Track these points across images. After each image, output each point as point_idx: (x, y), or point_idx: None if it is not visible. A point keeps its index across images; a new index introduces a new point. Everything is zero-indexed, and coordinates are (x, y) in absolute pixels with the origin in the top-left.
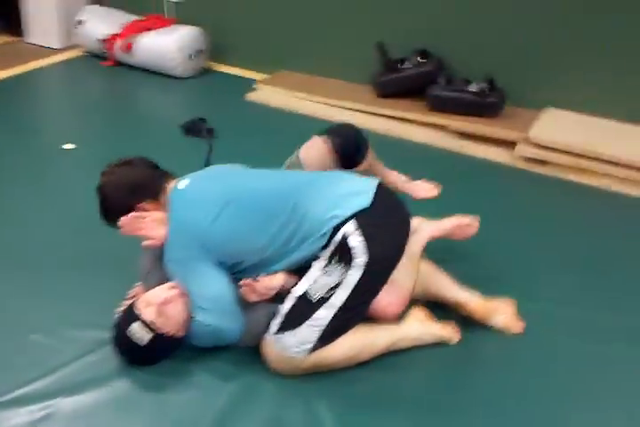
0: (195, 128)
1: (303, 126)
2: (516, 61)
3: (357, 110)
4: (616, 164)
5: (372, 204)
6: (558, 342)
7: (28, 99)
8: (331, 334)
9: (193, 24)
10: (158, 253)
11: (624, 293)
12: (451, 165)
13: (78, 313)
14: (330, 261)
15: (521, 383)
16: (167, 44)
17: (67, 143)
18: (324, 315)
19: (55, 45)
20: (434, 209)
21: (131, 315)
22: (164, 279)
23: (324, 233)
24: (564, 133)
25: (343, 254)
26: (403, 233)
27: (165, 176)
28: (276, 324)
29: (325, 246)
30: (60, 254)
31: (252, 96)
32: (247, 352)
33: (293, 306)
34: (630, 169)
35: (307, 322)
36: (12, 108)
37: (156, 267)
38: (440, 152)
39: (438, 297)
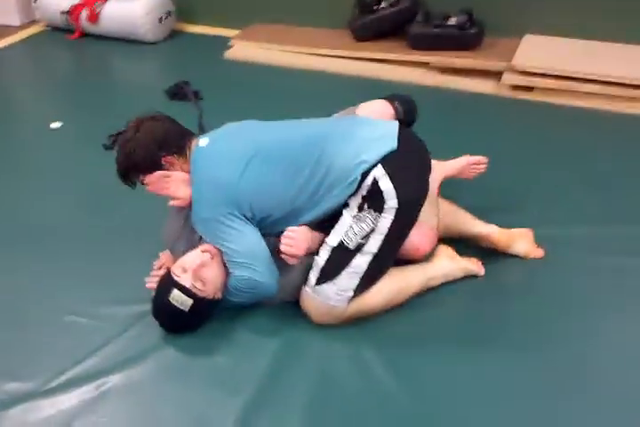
0: (180, 92)
1: (285, 79)
2: None
3: (337, 56)
4: (604, 82)
5: (397, 147)
6: (575, 261)
7: None
8: (369, 280)
9: None
10: (182, 220)
11: (630, 205)
12: (439, 99)
13: (107, 291)
14: (361, 208)
15: (549, 305)
16: (135, 10)
17: (53, 122)
18: (361, 262)
19: (14, 22)
20: (433, 144)
21: (169, 283)
22: (192, 245)
23: (354, 180)
24: (547, 58)
25: (374, 199)
26: (426, 174)
27: (188, 132)
28: (314, 275)
29: (354, 193)
30: (75, 234)
31: (229, 54)
32: (285, 307)
33: (330, 256)
34: (619, 86)
35: (345, 270)
36: None
37: (182, 234)
38: (425, 89)
39: (461, 233)
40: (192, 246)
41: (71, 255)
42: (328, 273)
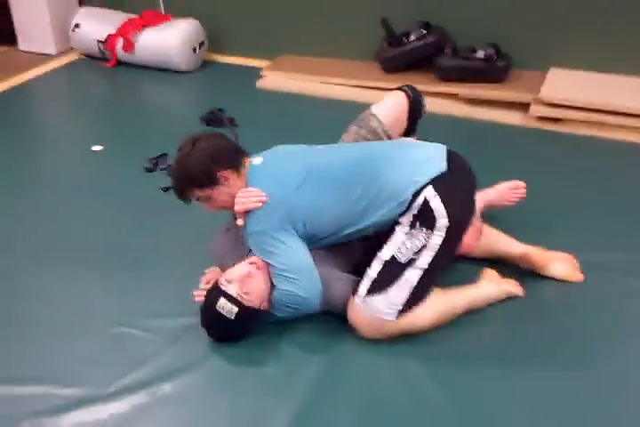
0: (215, 119)
1: (317, 108)
2: (517, 26)
3: (367, 87)
4: (630, 115)
5: (447, 168)
6: (610, 284)
7: (36, 107)
8: (418, 295)
9: (185, 16)
10: (233, 235)
11: None
12: (467, 130)
13: (156, 304)
14: (413, 226)
15: (588, 325)
16: (170, 40)
17: (94, 145)
18: (412, 276)
19: (51, 51)
20: None
21: (216, 292)
22: (240, 259)
23: (404, 200)
24: (574, 90)
25: (425, 218)
26: (473, 193)
27: (241, 150)
28: (364, 286)
29: (404, 212)
30: (122, 251)
31: (260, 83)
32: (331, 322)
33: (382, 269)
34: None
35: (396, 283)
36: (23, 117)
37: (232, 249)
38: (454, 120)
39: (502, 253)
40: (239, 260)
41: (119, 271)
42: (379, 285)
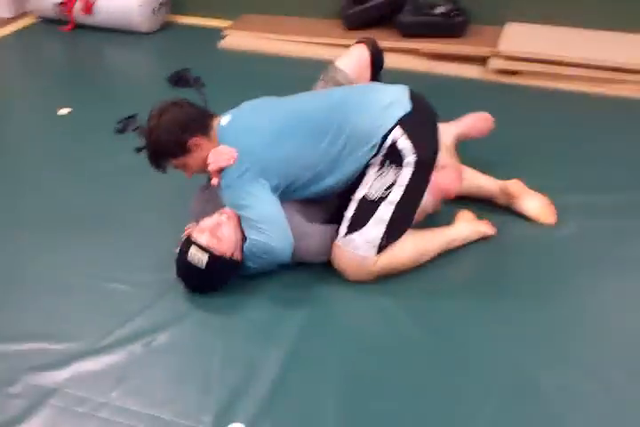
0: (182, 79)
1: (280, 66)
2: None
3: (329, 44)
4: (584, 66)
5: (411, 109)
6: (577, 225)
7: None
8: (393, 230)
9: None
10: (207, 194)
11: (614, 175)
12: (429, 84)
13: (141, 260)
14: (382, 165)
15: (557, 264)
16: (130, 1)
17: (60, 109)
18: (385, 211)
19: (6, 14)
20: None
21: (187, 243)
22: None
23: (375, 143)
24: (531, 44)
25: (394, 157)
26: (437, 130)
27: (209, 113)
28: (343, 228)
29: (375, 155)
30: (102, 213)
31: (223, 43)
32: (314, 267)
33: (357, 208)
34: (599, 69)
35: (371, 220)
36: None
37: (207, 207)
38: (415, 74)
39: (481, 188)
40: None
41: (103, 232)
42: (356, 223)
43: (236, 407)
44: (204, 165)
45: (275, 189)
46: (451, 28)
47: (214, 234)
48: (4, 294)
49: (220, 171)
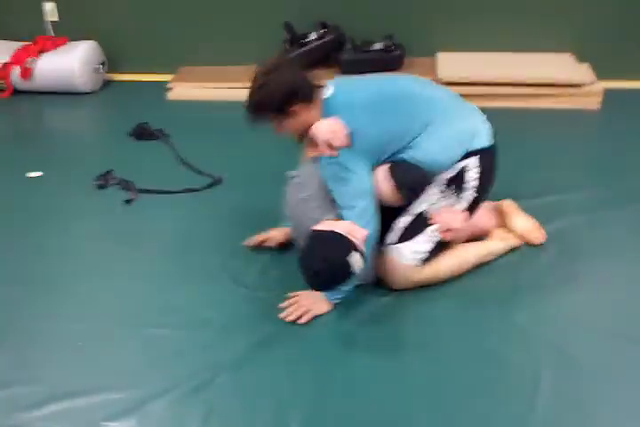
0: (145, 132)
1: (234, 111)
2: (404, 18)
3: None
4: (521, 84)
5: (493, 144)
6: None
7: None
8: (439, 247)
9: (80, 39)
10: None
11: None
12: None
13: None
14: (447, 187)
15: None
16: (71, 62)
17: (31, 172)
18: (437, 230)
19: None
20: None
21: (349, 245)
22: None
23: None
24: (465, 69)
25: (459, 183)
26: (495, 175)
27: (315, 82)
28: (394, 237)
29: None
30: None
31: (171, 95)
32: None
33: (412, 221)
34: (533, 87)
35: (422, 235)
36: None
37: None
38: None
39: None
40: (322, 212)
41: (119, 281)
42: (407, 235)
43: None
44: (298, 129)
45: (371, 166)
46: (390, 62)
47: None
48: (51, 351)
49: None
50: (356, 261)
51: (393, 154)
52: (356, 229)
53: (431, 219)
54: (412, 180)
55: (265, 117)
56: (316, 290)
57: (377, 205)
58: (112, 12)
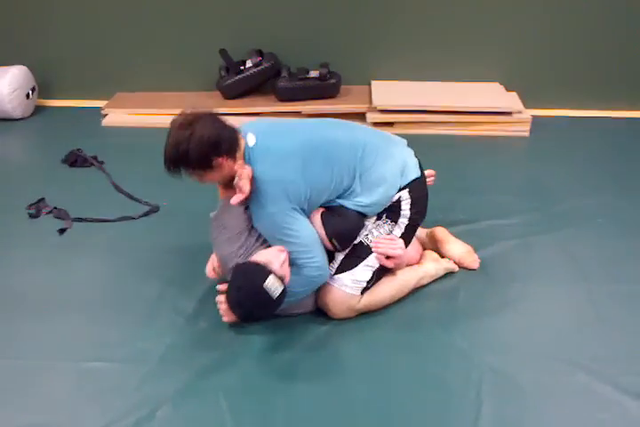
0: (78, 159)
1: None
2: (339, 48)
3: None
4: (453, 112)
5: (420, 175)
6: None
7: None
8: (378, 275)
9: (9, 64)
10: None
11: (503, 199)
12: None
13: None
14: (380, 217)
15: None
16: (1, 87)
17: None
18: (375, 258)
19: None
20: None
21: (263, 271)
22: (246, 248)
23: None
24: (399, 97)
25: (393, 213)
26: (427, 201)
27: (236, 132)
28: (334, 267)
29: None
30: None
31: (106, 122)
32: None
33: (350, 251)
34: (465, 114)
35: (362, 264)
36: None
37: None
38: None
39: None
40: (247, 250)
41: (55, 313)
42: (347, 265)
43: None
44: (220, 180)
45: (304, 212)
46: (326, 90)
47: (283, 268)
48: None
49: (251, 194)
50: (272, 284)
51: (328, 201)
52: (275, 255)
53: (370, 248)
54: (342, 231)
55: (186, 170)
56: (246, 322)
57: (323, 248)
58: (43, 36)
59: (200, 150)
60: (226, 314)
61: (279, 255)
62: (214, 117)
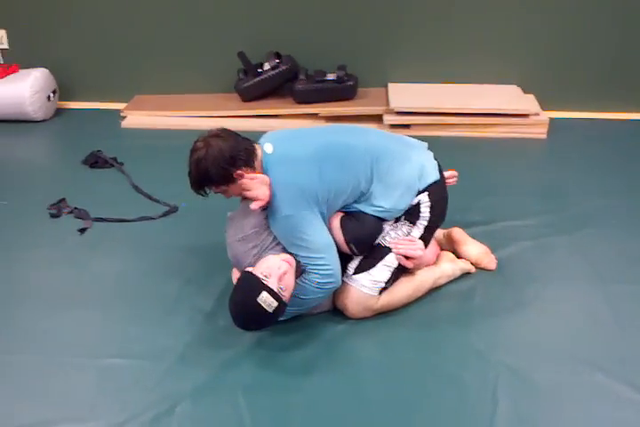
0: (99, 160)
1: (187, 140)
2: (357, 50)
3: (229, 116)
4: (471, 114)
5: (440, 178)
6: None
7: None
8: (396, 275)
9: (32, 67)
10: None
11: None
12: None
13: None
14: (398, 219)
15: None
16: (23, 90)
17: None
18: (393, 258)
19: None
20: None
21: (257, 285)
22: (259, 254)
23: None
24: (416, 99)
25: (412, 216)
26: (447, 204)
27: (251, 143)
28: (352, 267)
29: None
30: (68, 289)
31: (125, 123)
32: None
33: (368, 252)
34: (482, 116)
35: (380, 264)
36: None
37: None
38: None
39: None
40: (260, 250)
41: (74, 309)
42: (365, 265)
43: None
44: (244, 192)
45: (323, 215)
46: (343, 92)
47: (282, 281)
48: (4, 383)
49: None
50: (264, 300)
51: (347, 205)
52: (277, 266)
53: (387, 248)
54: (360, 236)
55: (210, 187)
56: (246, 329)
57: (337, 255)
58: (64, 39)
59: (218, 165)
60: None
61: (281, 266)
62: (227, 133)
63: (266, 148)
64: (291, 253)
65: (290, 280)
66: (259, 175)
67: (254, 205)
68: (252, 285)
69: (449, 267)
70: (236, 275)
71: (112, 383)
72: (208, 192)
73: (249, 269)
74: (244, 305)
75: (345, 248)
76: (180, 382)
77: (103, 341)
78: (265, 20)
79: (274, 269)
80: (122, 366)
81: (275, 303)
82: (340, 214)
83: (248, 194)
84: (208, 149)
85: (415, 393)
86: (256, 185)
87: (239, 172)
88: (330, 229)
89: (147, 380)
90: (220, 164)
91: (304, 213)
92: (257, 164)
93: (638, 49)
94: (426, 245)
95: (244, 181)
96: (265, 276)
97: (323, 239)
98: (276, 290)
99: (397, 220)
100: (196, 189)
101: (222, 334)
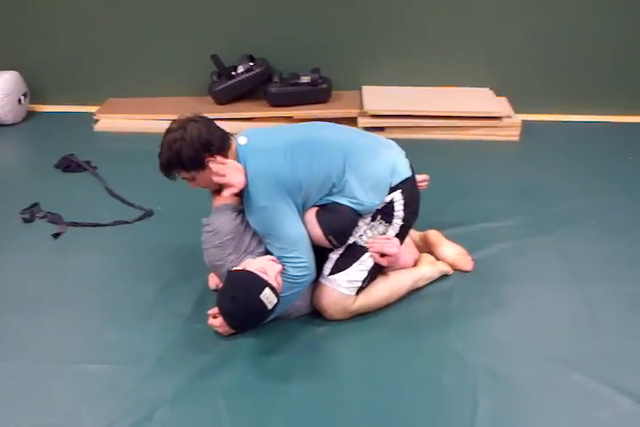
0: (71, 164)
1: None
2: (331, 54)
3: None
4: (444, 117)
5: (412, 174)
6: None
7: None
8: (373, 274)
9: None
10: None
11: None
12: None
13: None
14: (374, 218)
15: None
16: None
17: None
18: (369, 258)
19: None
20: None
21: (259, 282)
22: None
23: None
24: (390, 102)
25: (386, 215)
26: (419, 201)
27: (227, 134)
28: (328, 267)
29: None
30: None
31: (98, 127)
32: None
33: (344, 252)
34: (455, 119)
35: (356, 264)
36: None
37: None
38: None
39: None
40: (237, 256)
41: (49, 314)
42: (341, 265)
43: None
44: (212, 182)
45: (298, 207)
46: (317, 95)
47: (277, 280)
48: None
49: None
50: (267, 297)
51: (321, 198)
52: (270, 265)
53: (364, 248)
54: (337, 227)
55: (179, 171)
56: (235, 329)
57: (310, 247)
58: (35, 42)
59: (192, 149)
60: (221, 325)
61: (274, 266)
62: (205, 120)
63: (240, 140)
64: (268, 252)
65: (280, 279)
66: (231, 160)
67: (227, 192)
68: (254, 282)
69: (428, 269)
70: (213, 279)
71: (90, 389)
72: (177, 177)
73: (239, 268)
74: (247, 302)
75: (324, 242)
76: (159, 386)
77: (80, 346)
78: (238, 22)
79: (269, 267)
80: (99, 371)
81: (275, 300)
82: (315, 209)
83: (221, 180)
84: (184, 131)
85: (394, 395)
86: (230, 171)
87: (212, 159)
88: (305, 224)
89: (125, 385)
90: (194, 146)
91: (279, 204)
92: (230, 154)
93: (610, 51)
94: (401, 243)
95: (216, 165)
96: (263, 273)
97: (297, 231)
98: (275, 286)
99: (373, 219)
100: (164, 170)
101: (200, 338)
